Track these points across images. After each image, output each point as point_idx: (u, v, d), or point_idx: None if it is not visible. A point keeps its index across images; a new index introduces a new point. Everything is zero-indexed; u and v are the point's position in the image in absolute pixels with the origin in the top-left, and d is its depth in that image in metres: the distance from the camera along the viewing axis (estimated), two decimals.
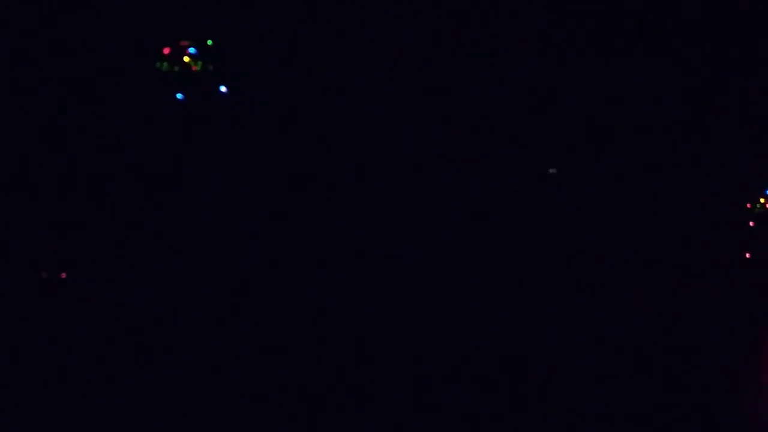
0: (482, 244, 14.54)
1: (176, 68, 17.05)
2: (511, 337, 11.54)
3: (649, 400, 9.87)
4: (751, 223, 15.46)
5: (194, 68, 17.02)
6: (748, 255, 15.35)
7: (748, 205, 15.51)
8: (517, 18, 15.33)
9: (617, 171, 15.85)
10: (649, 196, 15.76)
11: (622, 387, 10.29)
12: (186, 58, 17.05)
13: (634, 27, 15.66)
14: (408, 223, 14.86)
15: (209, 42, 16.96)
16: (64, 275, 14.59)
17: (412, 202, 15.05)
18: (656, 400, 9.87)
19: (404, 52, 15.88)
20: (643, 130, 15.96)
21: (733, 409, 10.38)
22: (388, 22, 15.82)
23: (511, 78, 15.47)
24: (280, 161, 16.25)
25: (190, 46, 16.99)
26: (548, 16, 15.38)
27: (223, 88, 16.85)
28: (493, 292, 13.47)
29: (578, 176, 15.43)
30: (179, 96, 16.94)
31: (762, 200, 15.46)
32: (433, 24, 15.59)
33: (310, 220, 15.22)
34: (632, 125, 16.03)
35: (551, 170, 15.32)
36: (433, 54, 15.55)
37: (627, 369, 11.13)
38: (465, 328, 11.94)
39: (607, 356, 11.53)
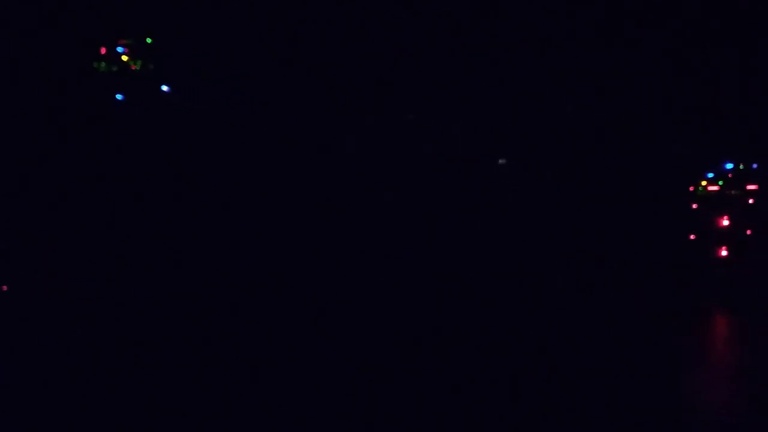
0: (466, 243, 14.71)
1: (114, 68, 16.64)
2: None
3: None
4: (694, 206, 15.91)
5: (133, 67, 16.64)
6: (692, 236, 15.80)
7: (691, 189, 15.95)
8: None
9: (567, 161, 16.18)
10: (598, 182, 16.13)
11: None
12: (124, 57, 16.64)
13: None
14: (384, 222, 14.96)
15: (148, 40, 16.60)
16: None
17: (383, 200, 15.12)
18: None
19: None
20: (589, 122, 16.32)
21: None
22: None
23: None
24: (229, 159, 16.07)
25: (128, 45, 16.61)
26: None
27: (165, 87, 16.54)
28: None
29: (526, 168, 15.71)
30: (119, 96, 16.53)
31: (704, 183, 15.93)
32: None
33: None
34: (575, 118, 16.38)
35: (501, 161, 15.52)
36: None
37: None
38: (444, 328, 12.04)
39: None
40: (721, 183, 15.90)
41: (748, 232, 15.76)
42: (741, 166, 15.93)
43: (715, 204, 15.83)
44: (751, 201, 15.81)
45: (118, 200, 15.74)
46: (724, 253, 15.65)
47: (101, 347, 11.25)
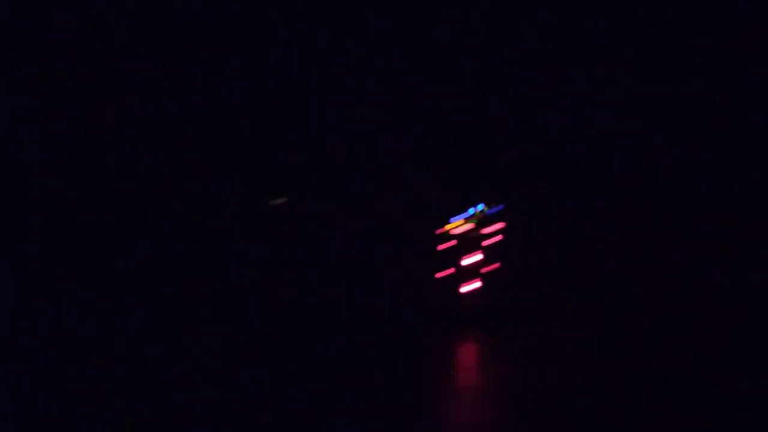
0: None
1: None
2: None
3: None
4: (442, 246, 16.29)
5: None
6: (441, 274, 16.10)
7: (439, 231, 16.37)
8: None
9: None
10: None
11: None
12: None
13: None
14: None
15: None
16: None
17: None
18: None
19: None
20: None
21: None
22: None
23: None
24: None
25: None
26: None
27: None
28: None
29: None
30: None
31: (452, 225, 16.37)
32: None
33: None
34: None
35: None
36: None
37: None
38: None
39: None
40: (470, 224, 16.35)
41: (497, 265, 16.12)
42: (487, 210, 16.45)
43: (463, 243, 16.21)
44: (499, 238, 16.25)
45: None
46: (474, 285, 15.94)
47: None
